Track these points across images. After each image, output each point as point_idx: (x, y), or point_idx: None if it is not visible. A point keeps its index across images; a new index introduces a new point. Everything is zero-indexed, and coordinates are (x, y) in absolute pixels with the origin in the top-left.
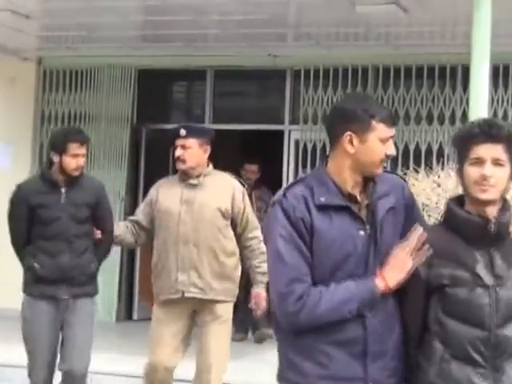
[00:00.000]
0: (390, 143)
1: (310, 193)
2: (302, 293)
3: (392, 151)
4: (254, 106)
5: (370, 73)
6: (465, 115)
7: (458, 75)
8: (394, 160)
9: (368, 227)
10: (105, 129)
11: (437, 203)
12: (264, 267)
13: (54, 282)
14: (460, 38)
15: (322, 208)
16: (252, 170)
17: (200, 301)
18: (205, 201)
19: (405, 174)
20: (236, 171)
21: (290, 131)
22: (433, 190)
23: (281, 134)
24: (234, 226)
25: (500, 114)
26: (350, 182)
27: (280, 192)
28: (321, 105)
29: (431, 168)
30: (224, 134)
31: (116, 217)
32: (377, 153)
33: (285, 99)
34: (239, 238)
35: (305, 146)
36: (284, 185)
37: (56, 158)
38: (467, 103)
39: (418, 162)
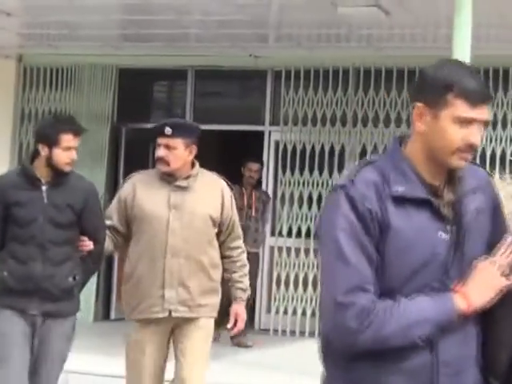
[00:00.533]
0: (475, 129)
1: (384, 180)
2: (366, 306)
3: (476, 139)
4: (235, 107)
5: (351, 74)
6: None
7: None
8: None
9: (452, 229)
10: (85, 127)
11: None
12: (245, 282)
13: (24, 293)
14: (441, 40)
15: (399, 200)
16: (255, 168)
17: (184, 318)
18: (195, 207)
19: None
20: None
21: (270, 132)
22: None
23: (261, 134)
24: (217, 233)
25: None
26: (427, 170)
27: (344, 175)
28: (301, 106)
29: None
30: (204, 134)
31: None
32: (450, 137)
33: (265, 100)
34: (220, 246)
35: (285, 147)
36: (264, 186)
37: (44, 151)
38: None
39: None
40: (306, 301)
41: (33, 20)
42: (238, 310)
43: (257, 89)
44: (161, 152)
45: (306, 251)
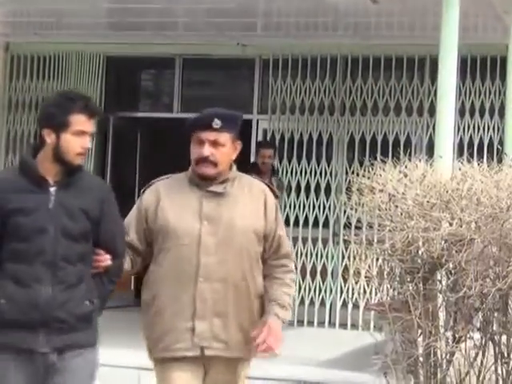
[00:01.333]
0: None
1: None
2: None
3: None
4: (223, 95)
5: (339, 63)
6: (432, 107)
7: (426, 67)
8: (363, 150)
9: None
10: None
11: (403, 193)
12: (286, 300)
13: (28, 326)
14: (428, 29)
15: None
16: (268, 154)
17: (220, 358)
18: (235, 218)
19: (372, 164)
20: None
21: (258, 120)
22: (399, 181)
23: (249, 123)
24: None
25: (467, 105)
26: None
27: None
28: (289, 94)
29: (398, 159)
30: None
31: None
32: None
33: (253, 88)
34: (262, 264)
35: (273, 135)
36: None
37: (51, 138)
38: (435, 95)
39: (385, 153)
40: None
41: (19, 8)
42: (273, 324)
43: (245, 77)
44: (206, 150)
45: (295, 240)
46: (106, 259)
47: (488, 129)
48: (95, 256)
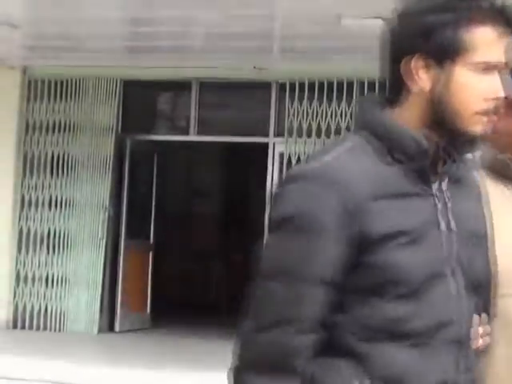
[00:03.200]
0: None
1: None
2: None
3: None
4: (239, 119)
5: (356, 87)
6: None
7: None
8: None
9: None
10: (89, 139)
11: None
12: None
13: None
14: None
15: None
16: None
17: None
18: None
19: None
20: (219, 183)
21: (274, 144)
22: None
23: (265, 146)
24: None
25: None
26: None
27: None
28: (306, 118)
29: None
30: (208, 146)
31: (98, 230)
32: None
33: (270, 112)
34: None
35: (289, 158)
36: (268, 197)
37: (425, 77)
38: None
39: None
40: None
41: (38, 32)
42: None
43: (261, 100)
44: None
45: None
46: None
47: None
48: None
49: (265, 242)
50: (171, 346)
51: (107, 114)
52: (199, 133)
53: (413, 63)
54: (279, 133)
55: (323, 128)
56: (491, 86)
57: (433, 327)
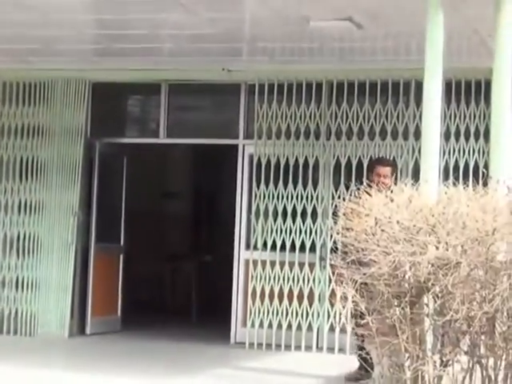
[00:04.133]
0: None
1: None
2: None
3: None
4: (209, 121)
5: (324, 88)
6: (418, 130)
7: (411, 91)
8: (348, 174)
9: None
10: (58, 143)
11: (390, 218)
12: None
13: None
14: (413, 53)
15: None
16: (384, 173)
17: None
18: None
19: (358, 188)
20: (189, 185)
21: (244, 146)
22: (386, 205)
23: (235, 148)
24: None
25: (452, 129)
26: None
27: None
28: (275, 119)
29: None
30: (177, 149)
31: (68, 234)
32: None
33: (239, 113)
34: None
35: (259, 160)
36: (238, 199)
37: None
38: (420, 119)
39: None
40: (282, 314)
41: (6, 35)
42: None
43: (230, 102)
44: None
45: (282, 264)
46: None
47: (473, 152)
48: None
49: None
50: (142, 348)
51: (76, 117)
52: (169, 135)
53: None
54: (249, 135)
55: (292, 130)
56: None
57: None
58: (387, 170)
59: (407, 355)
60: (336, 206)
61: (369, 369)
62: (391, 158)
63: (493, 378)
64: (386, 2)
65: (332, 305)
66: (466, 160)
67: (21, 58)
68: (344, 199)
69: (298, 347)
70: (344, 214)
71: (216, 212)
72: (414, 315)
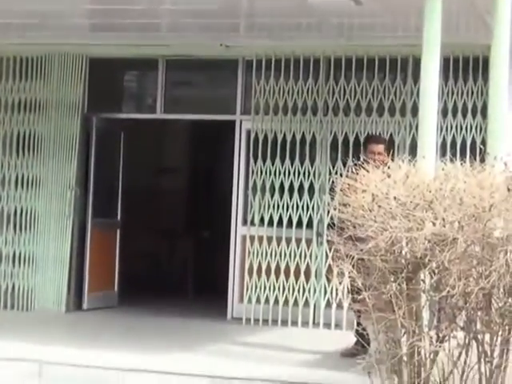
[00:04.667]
0: None
1: None
2: None
3: None
4: (206, 96)
5: (322, 64)
6: (415, 107)
7: (408, 67)
8: (346, 150)
9: None
10: (56, 117)
11: (387, 194)
12: None
13: None
14: (411, 30)
15: None
16: (378, 150)
17: None
18: None
19: (355, 164)
20: (186, 161)
21: (241, 121)
22: (383, 181)
23: (232, 124)
24: None
25: (450, 106)
26: None
27: None
28: (272, 95)
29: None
30: (175, 124)
31: (65, 208)
32: None
33: (237, 89)
34: None
35: (256, 136)
36: (235, 175)
37: None
38: (418, 95)
39: None
40: (279, 289)
41: (2, 9)
42: None
43: (228, 78)
44: None
45: (278, 240)
46: None
47: (471, 129)
48: None
49: None
50: (140, 324)
51: (73, 92)
52: (166, 111)
53: None
54: (246, 110)
55: (290, 106)
56: None
57: None
58: (380, 147)
59: (403, 331)
60: (333, 181)
61: (365, 344)
62: (388, 135)
63: (489, 353)
64: None
65: (329, 280)
66: (464, 136)
67: (17, 32)
68: (341, 175)
69: (294, 323)
70: (341, 190)
71: (213, 187)
72: (410, 291)
